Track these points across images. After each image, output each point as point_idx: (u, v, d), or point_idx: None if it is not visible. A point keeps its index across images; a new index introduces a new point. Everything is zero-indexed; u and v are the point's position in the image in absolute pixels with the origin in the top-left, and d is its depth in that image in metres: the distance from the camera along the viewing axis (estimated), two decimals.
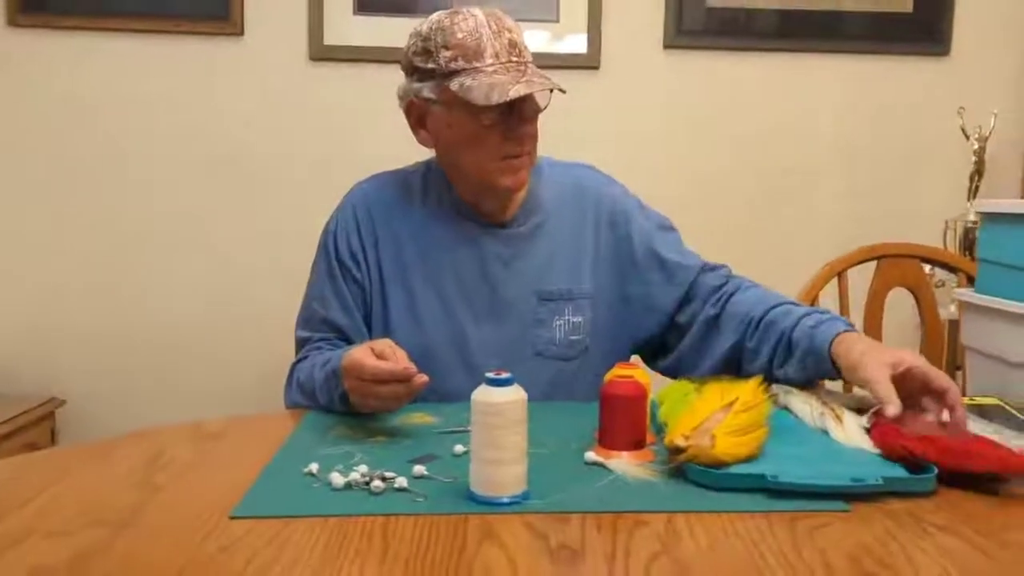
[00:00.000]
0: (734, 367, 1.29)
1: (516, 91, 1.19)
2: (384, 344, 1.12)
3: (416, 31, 1.28)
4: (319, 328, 1.36)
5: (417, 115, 1.32)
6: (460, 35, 1.22)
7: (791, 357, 1.21)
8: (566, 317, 1.35)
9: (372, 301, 1.36)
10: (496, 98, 1.19)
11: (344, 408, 1.17)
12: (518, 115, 1.24)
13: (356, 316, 1.35)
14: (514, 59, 1.23)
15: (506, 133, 1.25)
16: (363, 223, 1.37)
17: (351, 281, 1.35)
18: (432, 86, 1.26)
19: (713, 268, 1.40)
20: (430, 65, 1.25)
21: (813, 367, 1.18)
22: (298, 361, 1.34)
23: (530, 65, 1.25)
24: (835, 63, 2.32)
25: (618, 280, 1.39)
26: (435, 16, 1.26)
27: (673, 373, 1.38)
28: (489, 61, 1.22)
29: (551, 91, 1.25)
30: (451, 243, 1.35)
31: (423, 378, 1.07)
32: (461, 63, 1.22)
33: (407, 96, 1.31)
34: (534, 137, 1.29)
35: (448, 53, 1.23)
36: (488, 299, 1.34)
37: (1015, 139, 2.34)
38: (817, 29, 2.30)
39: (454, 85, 1.22)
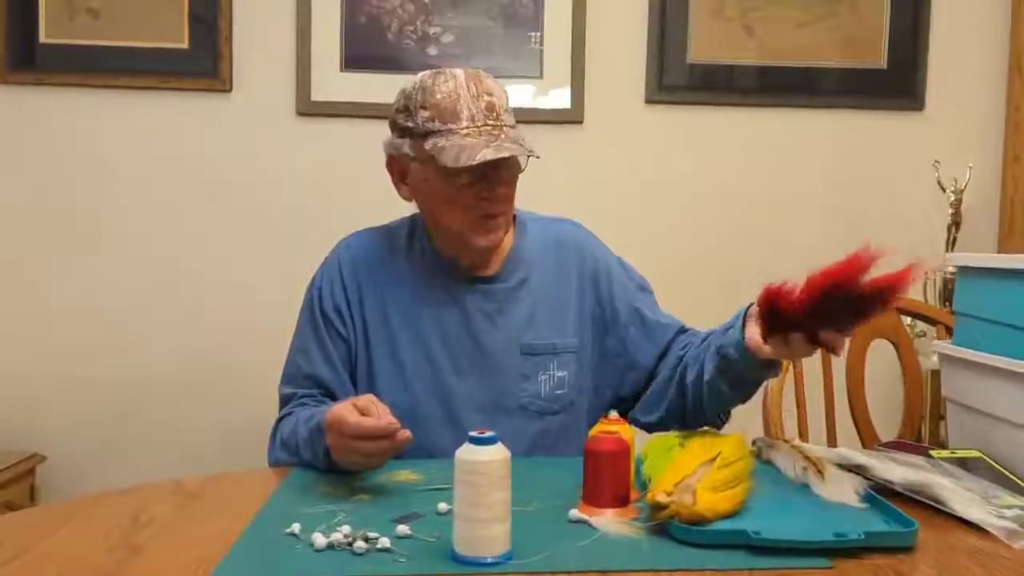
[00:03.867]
0: (690, 400, 1.30)
1: (483, 156, 1.20)
2: (367, 400, 1.12)
3: (402, 89, 1.31)
4: (303, 384, 1.35)
5: (398, 170, 1.34)
6: (438, 96, 1.25)
7: (719, 359, 1.22)
8: (551, 372, 1.36)
9: (357, 356, 1.36)
10: (464, 161, 1.21)
11: (328, 465, 1.17)
12: (492, 177, 1.26)
13: (340, 370, 1.35)
14: (490, 123, 1.25)
15: (479, 194, 1.27)
16: (348, 278, 1.37)
17: (336, 335, 1.36)
18: (410, 144, 1.28)
19: (686, 330, 1.42)
20: (409, 123, 1.28)
21: (738, 359, 1.18)
22: (281, 418, 1.33)
23: (507, 129, 1.26)
24: (813, 117, 2.36)
25: (599, 336, 1.41)
26: (420, 75, 1.29)
27: (646, 422, 1.39)
28: (464, 124, 1.24)
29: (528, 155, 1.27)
30: (435, 298, 1.36)
31: (406, 434, 1.07)
32: (437, 124, 1.25)
33: (389, 151, 1.33)
34: (508, 198, 1.31)
35: (426, 113, 1.25)
36: (472, 354, 1.34)
37: (991, 191, 2.38)
38: (795, 85, 2.35)
39: (428, 145, 1.25)
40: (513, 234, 1.41)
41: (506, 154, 1.23)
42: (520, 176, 1.34)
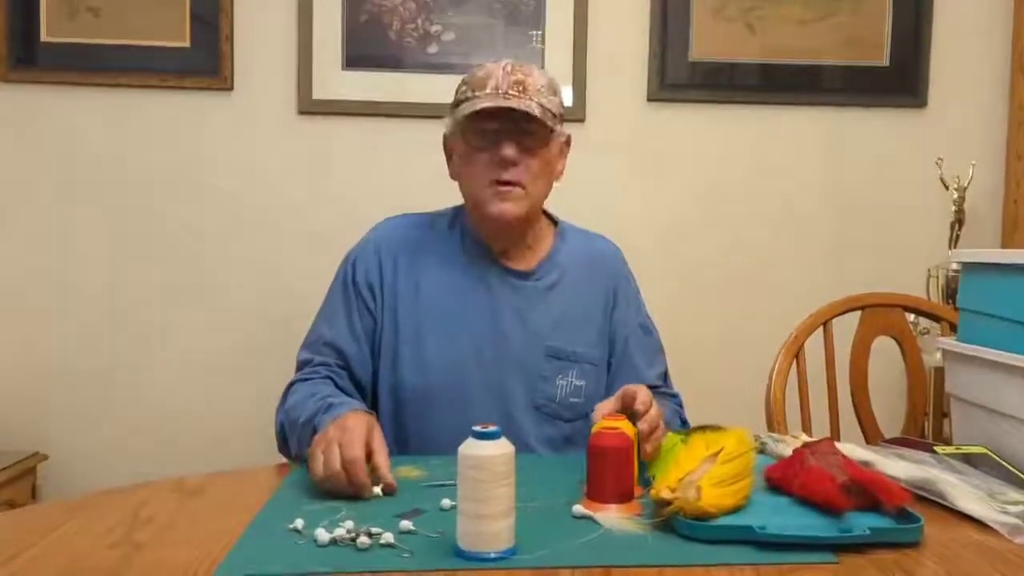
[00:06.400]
0: None
1: (482, 104, 1.28)
2: (382, 443, 1.10)
3: None
4: (322, 351, 1.36)
5: (448, 149, 1.40)
6: (478, 73, 1.33)
7: None
8: (569, 378, 1.37)
9: (382, 334, 1.37)
10: (467, 109, 1.28)
11: (299, 449, 1.18)
12: (502, 141, 1.30)
13: (363, 345, 1.37)
14: (512, 92, 1.29)
15: (492, 156, 1.31)
16: (384, 258, 1.40)
17: (364, 310, 1.38)
18: (450, 117, 1.36)
19: (656, 387, 1.41)
20: (453, 100, 1.35)
21: None
22: (295, 381, 1.34)
23: (526, 99, 1.29)
24: (816, 115, 2.36)
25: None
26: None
27: None
28: (488, 91, 1.30)
29: (552, 129, 1.32)
30: (468, 286, 1.38)
31: (373, 492, 1.04)
32: (468, 93, 1.32)
33: (444, 132, 1.40)
34: (527, 169, 1.32)
35: (464, 88, 1.34)
36: (497, 347, 1.36)
37: (994, 189, 2.38)
38: (798, 82, 2.34)
39: (456, 111, 1.32)
40: (553, 238, 1.45)
41: (503, 103, 1.27)
42: None
